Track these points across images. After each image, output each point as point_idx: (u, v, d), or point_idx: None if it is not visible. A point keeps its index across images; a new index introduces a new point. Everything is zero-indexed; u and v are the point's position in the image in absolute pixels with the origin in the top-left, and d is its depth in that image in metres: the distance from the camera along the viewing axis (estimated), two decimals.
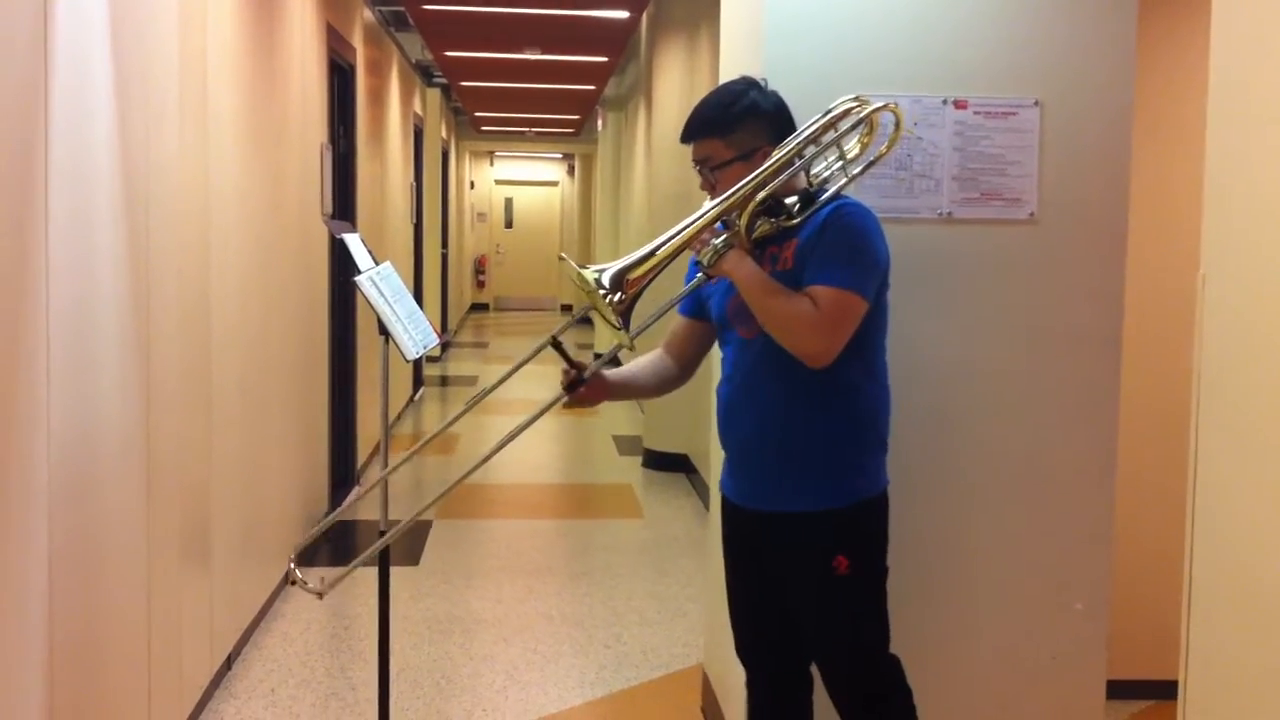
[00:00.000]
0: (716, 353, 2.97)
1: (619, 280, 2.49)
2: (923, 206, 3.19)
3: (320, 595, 2.83)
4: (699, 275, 2.70)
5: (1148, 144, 3.81)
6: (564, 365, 2.74)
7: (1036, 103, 3.19)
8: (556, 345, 2.69)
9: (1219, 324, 1.97)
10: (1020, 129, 3.19)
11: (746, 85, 2.78)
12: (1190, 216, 2.39)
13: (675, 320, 2.96)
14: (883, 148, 2.83)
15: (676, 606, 5.34)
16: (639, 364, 2.96)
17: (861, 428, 2.72)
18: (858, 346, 2.66)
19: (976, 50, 3.20)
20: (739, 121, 2.71)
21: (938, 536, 3.23)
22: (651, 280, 2.53)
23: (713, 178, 2.72)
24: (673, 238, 2.57)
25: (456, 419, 3.07)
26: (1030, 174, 3.20)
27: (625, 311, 2.48)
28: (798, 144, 2.68)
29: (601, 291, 2.47)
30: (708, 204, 2.65)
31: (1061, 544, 3.26)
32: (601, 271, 2.49)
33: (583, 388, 2.74)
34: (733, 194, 2.61)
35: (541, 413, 2.75)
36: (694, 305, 2.91)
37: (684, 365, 2.96)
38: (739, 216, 2.63)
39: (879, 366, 2.76)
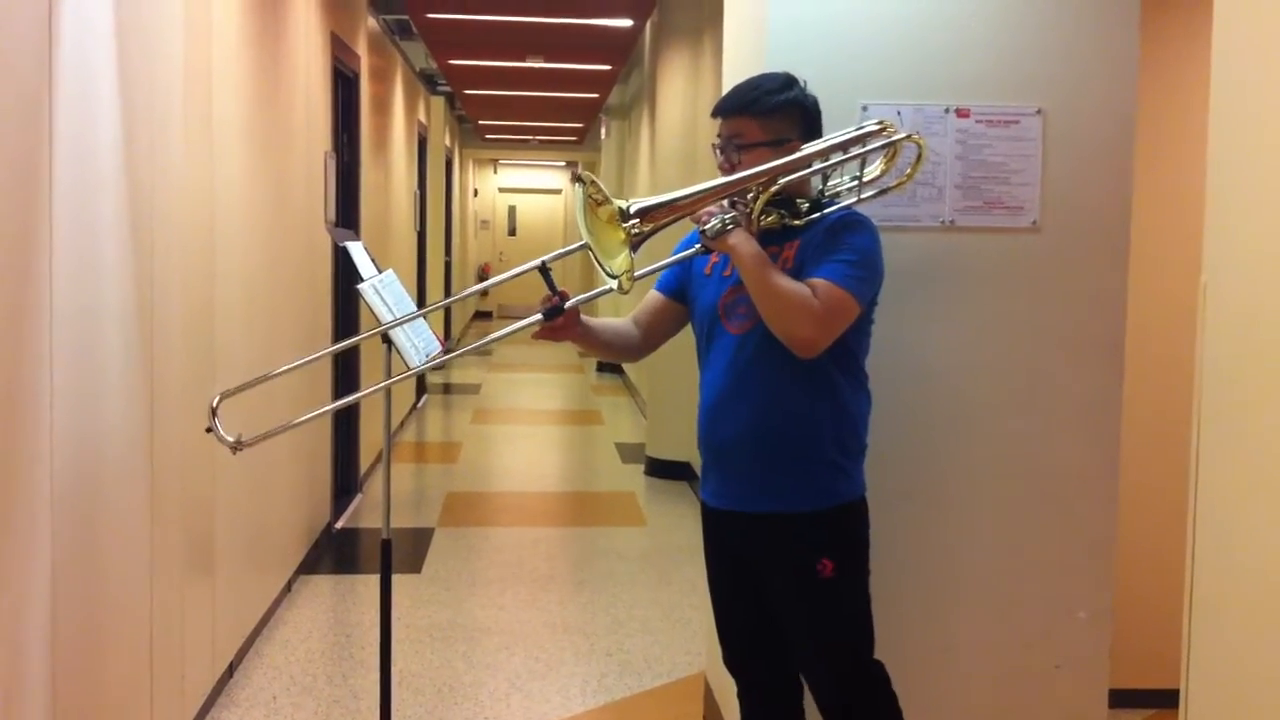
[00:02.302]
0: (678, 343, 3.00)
1: (645, 212, 2.50)
2: (925, 214, 3.19)
3: (236, 450, 2.77)
4: (697, 246, 2.71)
5: (1150, 152, 3.81)
6: (546, 293, 2.69)
7: (1039, 111, 3.20)
8: (544, 271, 2.67)
9: (1221, 331, 1.97)
10: (1022, 137, 3.20)
11: (790, 78, 2.81)
12: (1192, 224, 2.39)
13: (650, 295, 2.97)
14: (903, 176, 2.86)
15: (679, 614, 5.33)
16: (608, 322, 2.97)
17: (846, 431, 2.74)
18: (844, 351, 2.69)
19: (979, 58, 3.21)
20: (781, 109, 2.74)
21: (940, 544, 3.23)
22: (670, 222, 2.54)
23: (736, 157, 2.73)
24: (701, 191, 2.60)
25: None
26: (1032, 182, 3.20)
27: (638, 243, 2.48)
28: (827, 145, 2.72)
29: (623, 219, 2.47)
30: (735, 174, 2.67)
31: (1064, 552, 3.25)
32: (631, 204, 2.50)
33: (560, 318, 2.69)
34: (760, 170, 2.64)
35: (515, 330, 2.75)
36: (674, 286, 2.93)
37: (647, 340, 2.96)
38: (754, 198, 2.65)
39: (861, 374, 2.79)
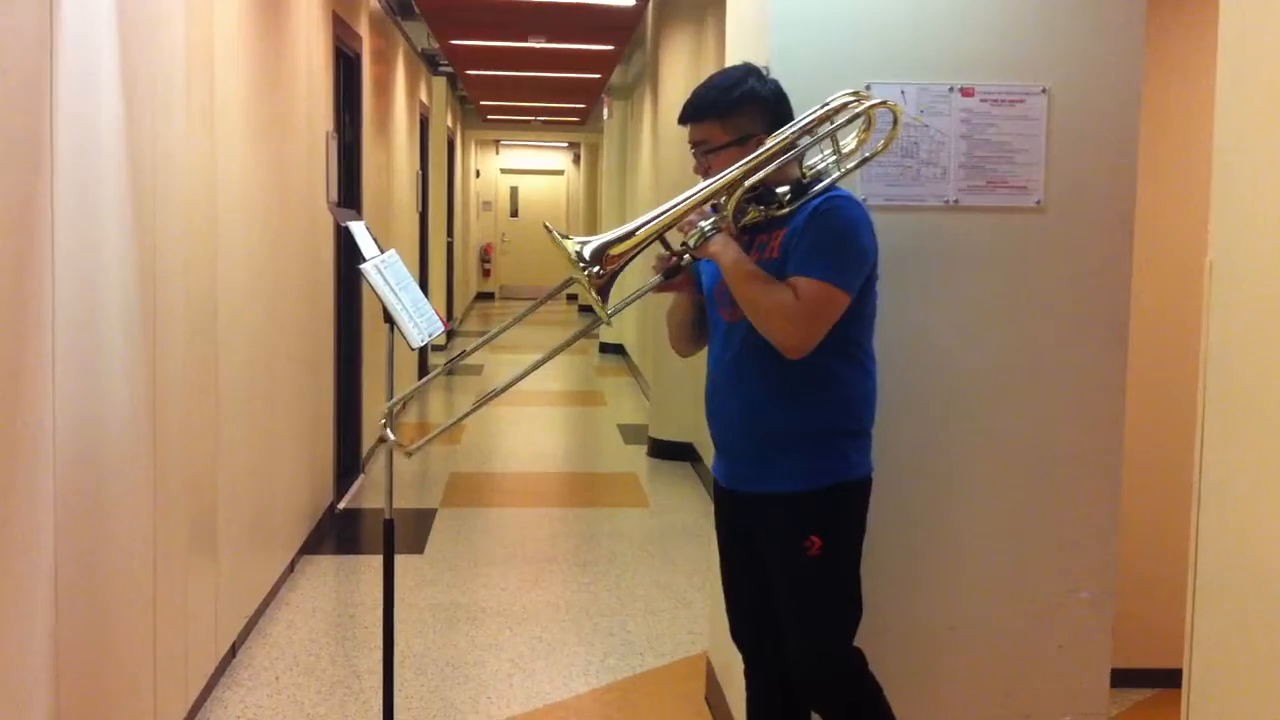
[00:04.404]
0: None
1: (599, 255, 2.49)
2: (929, 194, 3.18)
3: (409, 454, 2.97)
4: (685, 257, 2.72)
5: (1156, 131, 3.79)
6: (661, 252, 2.77)
7: (1044, 90, 3.18)
8: (662, 240, 2.71)
9: (1226, 310, 1.97)
10: (1027, 116, 3.18)
11: (746, 71, 2.79)
12: (1198, 203, 2.38)
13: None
14: (879, 145, 2.84)
15: (681, 595, 5.34)
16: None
17: (840, 414, 2.73)
18: (838, 336, 2.67)
19: (983, 37, 3.19)
20: (737, 106, 2.72)
21: (943, 523, 3.23)
22: (631, 259, 2.54)
23: (707, 161, 2.73)
24: (656, 217, 2.59)
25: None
26: (1037, 162, 3.19)
27: (603, 288, 2.48)
28: (792, 133, 2.69)
29: (581, 265, 2.48)
30: (696, 186, 2.66)
31: (1067, 532, 3.25)
32: (584, 244, 2.49)
33: (679, 275, 2.79)
34: (720, 178, 2.64)
35: (642, 293, 2.83)
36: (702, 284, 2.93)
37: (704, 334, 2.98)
38: (726, 201, 2.64)
39: (863, 355, 2.77)
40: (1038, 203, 3.20)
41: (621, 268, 2.53)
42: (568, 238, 2.49)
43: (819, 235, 2.63)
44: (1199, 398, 2.02)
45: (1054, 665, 3.28)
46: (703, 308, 2.92)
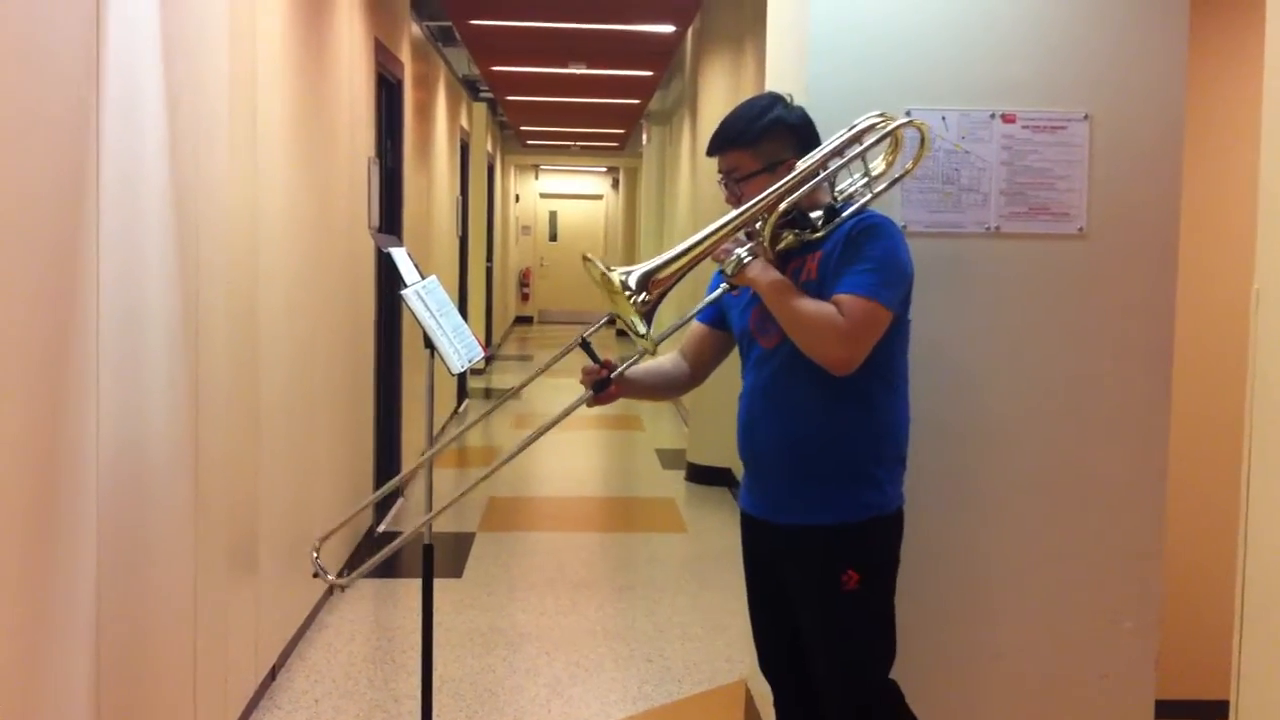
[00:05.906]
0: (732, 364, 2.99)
1: (644, 282, 2.50)
2: (970, 221, 3.17)
3: (342, 589, 2.91)
4: (722, 285, 2.71)
5: (1199, 157, 3.77)
6: (589, 364, 2.75)
7: (1086, 116, 3.17)
8: (585, 346, 2.72)
9: (1273, 339, 1.95)
10: (1069, 143, 3.17)
11: (772, 99, 2.81)
12: (1243, 230, 2.36)
13: (693, 326, 2.98)
14: (909, 165, 2.83)
15: (719, 621, 5.32)
16: (655, 364, 2.98)
17: (880, 441, 2.72)
18: (877, 360, 2.65)
19: (1024, 63, 3.18)
20: (765, 133, 2.73)
21: (985, 552, 3.21)
22: (675, 283, 2.54)
23: (738, 189, 2.74)
24: (697, 244, 2.59)
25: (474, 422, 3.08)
26: (1079, 188, 3.17)
27: (648, 313, 2.49)
28: (822, 156, 2.70)
29: (627, 293, 2.48)
30: (731, 213, 2.66)
31: (1110, 561, 3.22)
32: (628, 273, 2.50)
33: (609, 388, 2.75)
34: (756, 203, 2.64)
35: (567, 413, 2.77)
36: (714, 314, 2.93)
37: (697, 370, 2.99)
38: (763, 226, 2.65)
39: (899, 380, 2.76)
40: (1080, 229, 3.18)
41: (665, 292, 2.53)
42: (611, 269, 2.50)
43: (860, 252, 2.63)
44: (1246, 426, 2.00)
45: (1097, 696, 3.24)
46: (657, 379, 2.96)
